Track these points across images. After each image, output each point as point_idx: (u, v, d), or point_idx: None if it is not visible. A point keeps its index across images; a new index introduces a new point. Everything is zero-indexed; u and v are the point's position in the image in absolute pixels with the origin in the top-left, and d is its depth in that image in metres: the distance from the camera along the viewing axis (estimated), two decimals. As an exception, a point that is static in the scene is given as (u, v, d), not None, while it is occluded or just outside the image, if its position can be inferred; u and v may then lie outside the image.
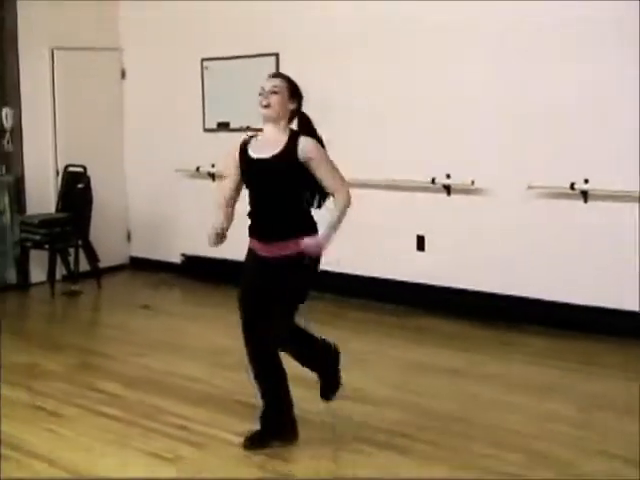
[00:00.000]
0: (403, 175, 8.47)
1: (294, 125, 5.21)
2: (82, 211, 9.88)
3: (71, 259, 10.03)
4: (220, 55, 9.66)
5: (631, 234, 7.28)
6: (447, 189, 8.25)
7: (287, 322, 5.10)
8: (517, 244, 7.90)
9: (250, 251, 5.23)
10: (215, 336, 7.86)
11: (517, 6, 7.65)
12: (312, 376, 6.51)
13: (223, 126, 9.82)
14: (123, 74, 10.98)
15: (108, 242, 10.58)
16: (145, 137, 10.82)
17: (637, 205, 7.25)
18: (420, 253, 8.53)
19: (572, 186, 7.45)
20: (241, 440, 5.23)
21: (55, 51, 10.28)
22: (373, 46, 8.62)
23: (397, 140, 8.53)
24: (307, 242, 4.97)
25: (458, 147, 8.15)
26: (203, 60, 9.97)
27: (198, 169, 10.04)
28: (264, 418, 5.25)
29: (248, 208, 5.18)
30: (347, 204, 5.09)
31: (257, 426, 5.26)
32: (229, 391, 6.24)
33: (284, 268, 5.05)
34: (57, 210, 10.17)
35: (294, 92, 5.17)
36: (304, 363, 5.32)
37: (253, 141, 5.21)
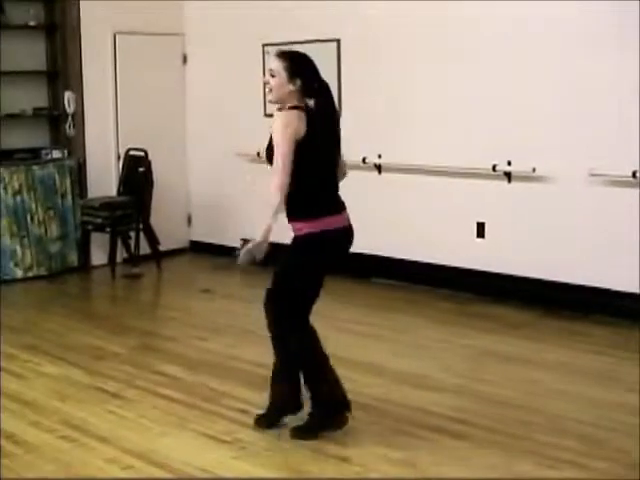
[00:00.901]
0: (464, 162, 8.43)
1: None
2: (143, 194, 9.97)
3: (132, 242, 10.13)
4: (281, 40, 9.65)
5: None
6: (508, 176, 8.20)
7: (279, 302, 5.13)
8: (578, 232, 7.82)
9: None
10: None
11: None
12: (372, 361, 6.58)
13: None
14: (185, 59, 11.03)
15: (169, 226, 10.65)
16: (206, 122, 10.87)
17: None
18: (480, 240, 8.50)
19: (634, 174, 7.37)
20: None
21: (117, 36, 10.37)
22: (438, 34, 8.56)
23: (458, 127, 8.48)
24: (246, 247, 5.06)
25: (519, 134, 8.08)
26: (264, 45, 9.98)
27: (258, 154, 10.05)
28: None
29: None
30: (271, 199, 4.86)
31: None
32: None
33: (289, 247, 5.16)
34: (118, 193, 10.27)
35: (294, 71, 4.96)
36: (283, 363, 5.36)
37: None
